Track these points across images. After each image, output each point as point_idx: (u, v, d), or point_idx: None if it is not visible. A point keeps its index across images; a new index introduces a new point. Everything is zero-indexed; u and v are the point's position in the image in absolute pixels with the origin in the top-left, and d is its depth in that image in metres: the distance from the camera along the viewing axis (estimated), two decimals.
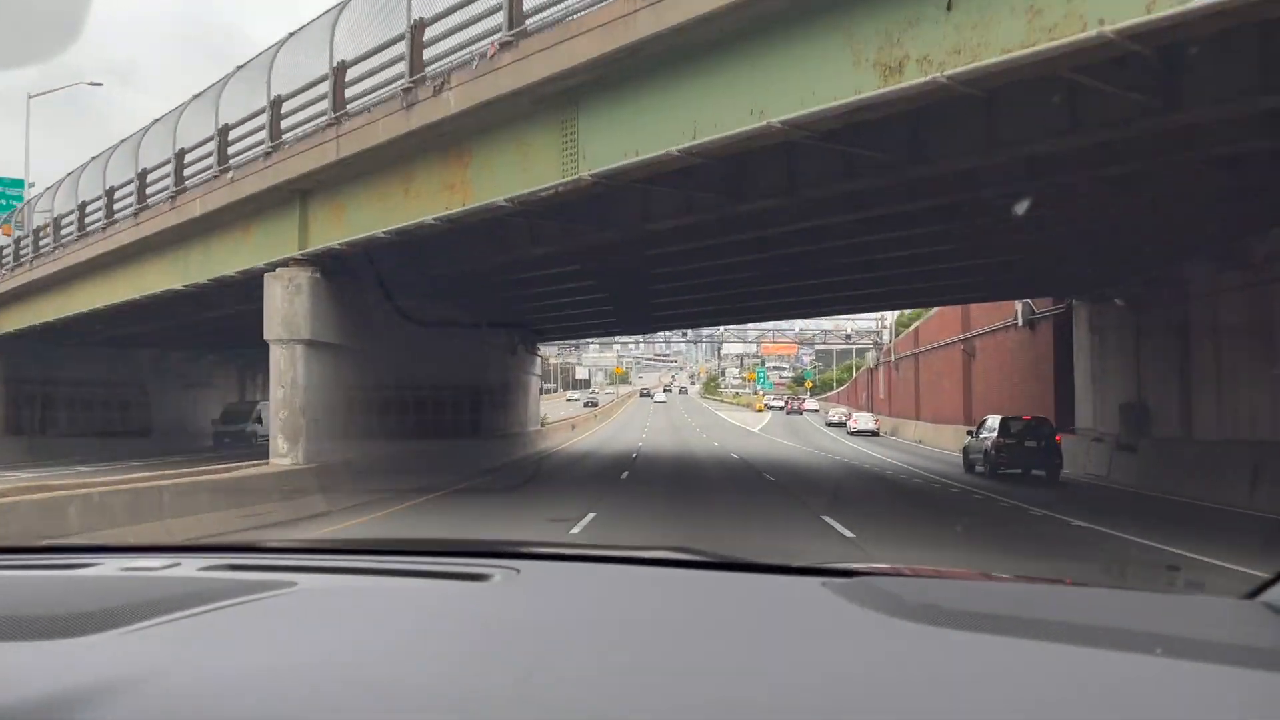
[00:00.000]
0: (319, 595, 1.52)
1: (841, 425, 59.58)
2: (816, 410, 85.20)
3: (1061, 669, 1.08)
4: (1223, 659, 1.08)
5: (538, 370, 40.53)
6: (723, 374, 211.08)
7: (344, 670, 1.11)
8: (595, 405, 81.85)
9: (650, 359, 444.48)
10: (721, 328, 71.96)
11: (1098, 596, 1.58)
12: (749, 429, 58.89)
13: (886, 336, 64.65)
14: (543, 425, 41.17)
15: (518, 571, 1.62)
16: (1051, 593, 1.67)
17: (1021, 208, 13.87)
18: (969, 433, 28.37)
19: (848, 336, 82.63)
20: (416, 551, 1.95)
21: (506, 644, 1.21)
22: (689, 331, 70.37)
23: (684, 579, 1.73)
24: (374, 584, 1.65)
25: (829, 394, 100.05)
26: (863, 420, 54.84)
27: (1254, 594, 1.36)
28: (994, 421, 25.58)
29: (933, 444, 41.51)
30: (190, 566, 1.70)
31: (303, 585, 1.52)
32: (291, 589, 1.49)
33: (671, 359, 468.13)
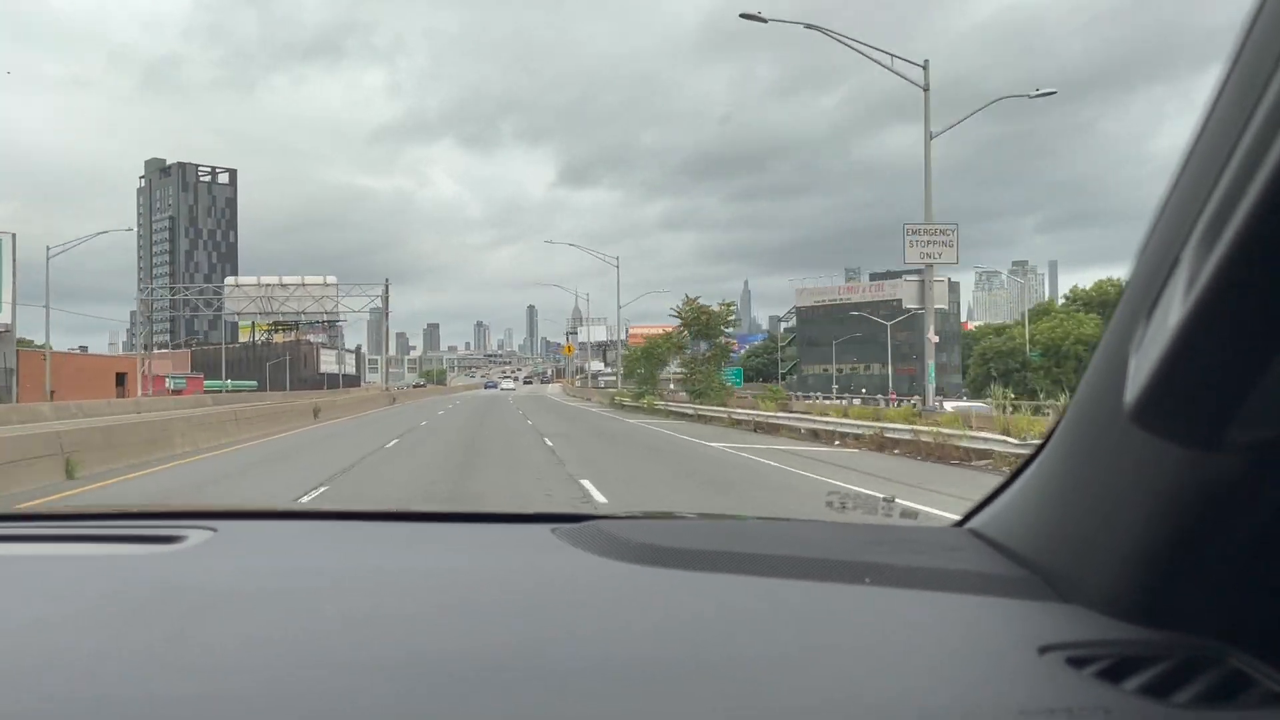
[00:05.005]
0: None
1: None
2: None
3: (774, 600, 1.13)
4: (927, 584, 1.16)
5: None
6: (580, 370, 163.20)
7: None
8: None
9: (481, 358, 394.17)
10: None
11: (816, 529, 1.61)
12: None
13: None
14: None
15: (215, 531, 1.52)
16: (774, 529, 1.71)
17: None
18: None
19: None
20: (103, 516, 1.76)
21: (188, 608, 1.12)
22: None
23: (407, 532, 1.66)
24: (37, 551, 1.49)
25: None
26: None
27: (962, 521, 1.44)
28: None
29: None
30: None
31: None
32: None
33: (504, 358, 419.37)
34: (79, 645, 1.00)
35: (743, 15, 24.20)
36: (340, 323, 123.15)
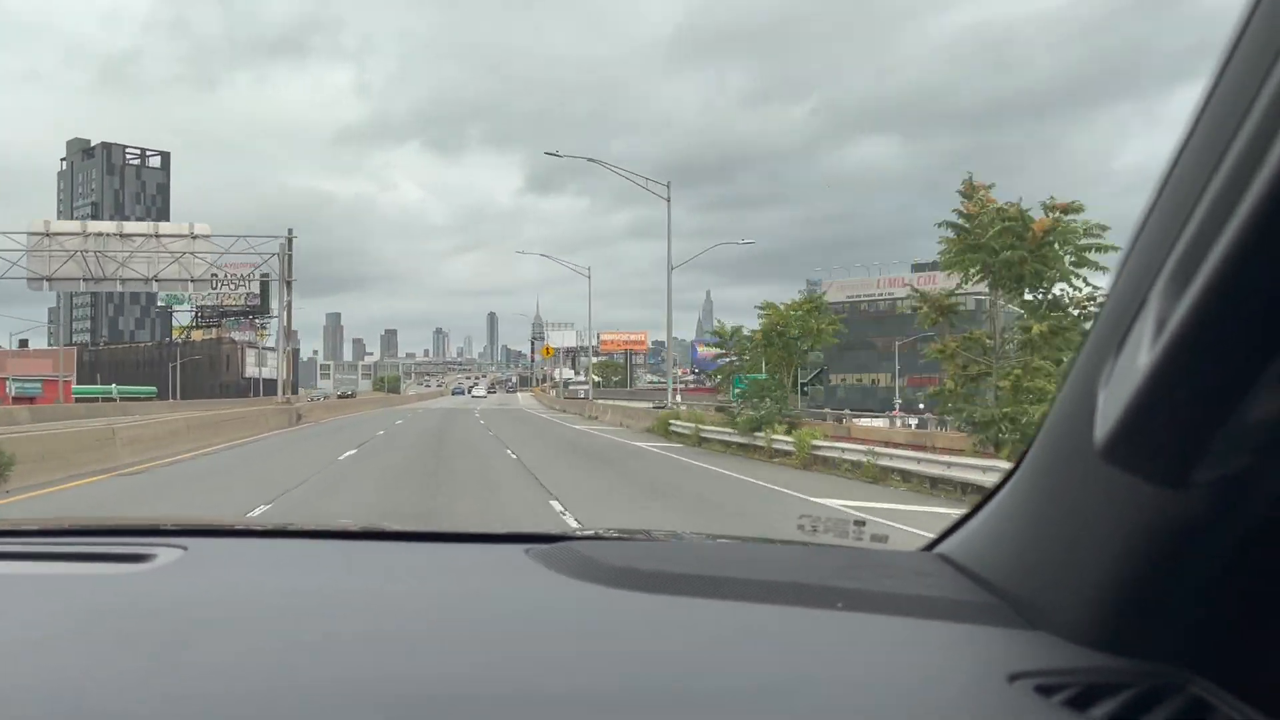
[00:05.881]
0: None
1: None
2: None
3: (749, 625, 1.15)
4: (898, 610, 1.17)
5: None
6: (546, 378, 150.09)
7: None
8: None
9: (439, 365, 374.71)
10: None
11: (790, 553, 1.63)
12: None
13: None
14: None
15: (185, 550, 1.50)
16: (747, 551, 1.72)
17: None
18: None
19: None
20: (69, 532, 1.74)
21: (160, 629, 1.11)
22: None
23: (379, 552, 1.66)
24: (2, 570, 1.46)
25: None
26: None
27: (930, 546, 1.45)
28: None
29: None
30: None
31: None
32: None
33: (464, 365, 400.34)
34: (50, 669, 0.98)
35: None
36: (272, 317, 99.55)
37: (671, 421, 29.93)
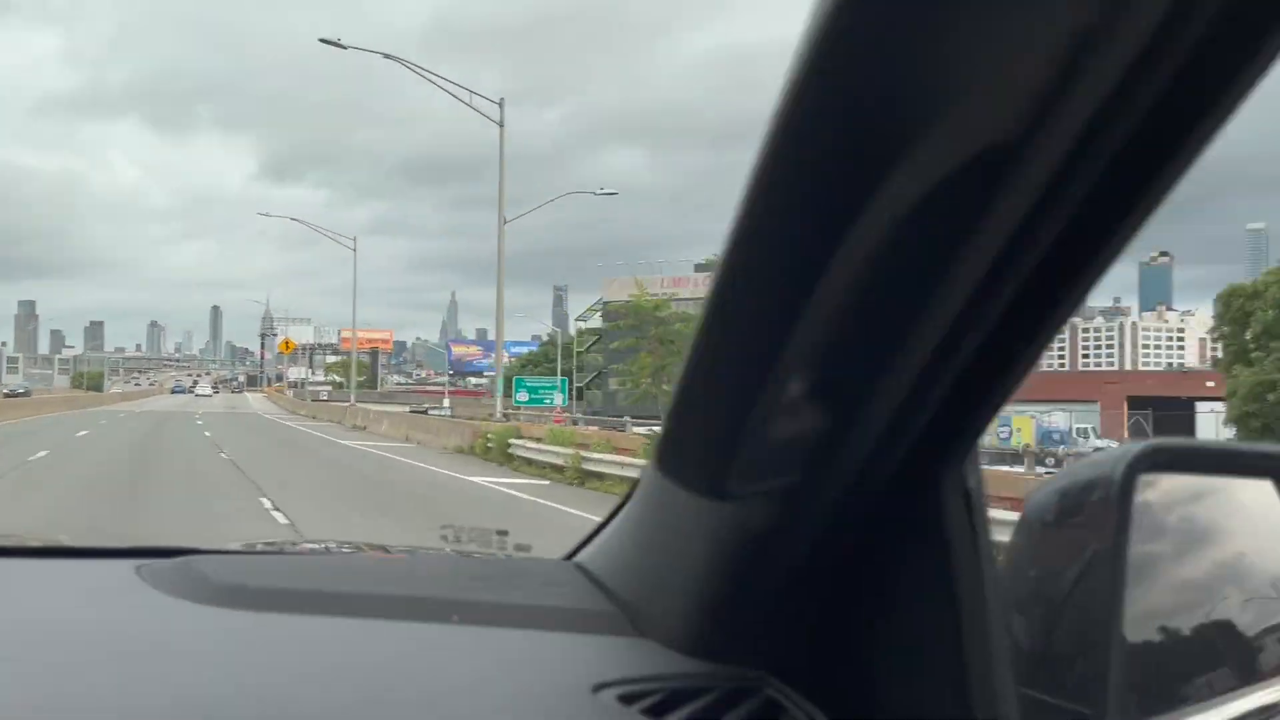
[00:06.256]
0: None
1: None
2: None
3: (350, 643, 1.11)
4: (513, 622, 1.15)
5: None
6: (279, 377, 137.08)
7: None
8: None
9: (155, 361, 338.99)
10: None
11: (427, 563, 1.63)
12: None
13: None
14: None
15: None
16: (379, 564, 1.70)
17: None
18: None
19: None
20: None
21: None
22: None
23: None
24: None
25: None
26: None
27: (570, 556, 1.45)
28: None
29: None
30: None
31: None
32: None
33: (183, 362, 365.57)
34: None
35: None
36: None
37: (513, 441, 20.30)
